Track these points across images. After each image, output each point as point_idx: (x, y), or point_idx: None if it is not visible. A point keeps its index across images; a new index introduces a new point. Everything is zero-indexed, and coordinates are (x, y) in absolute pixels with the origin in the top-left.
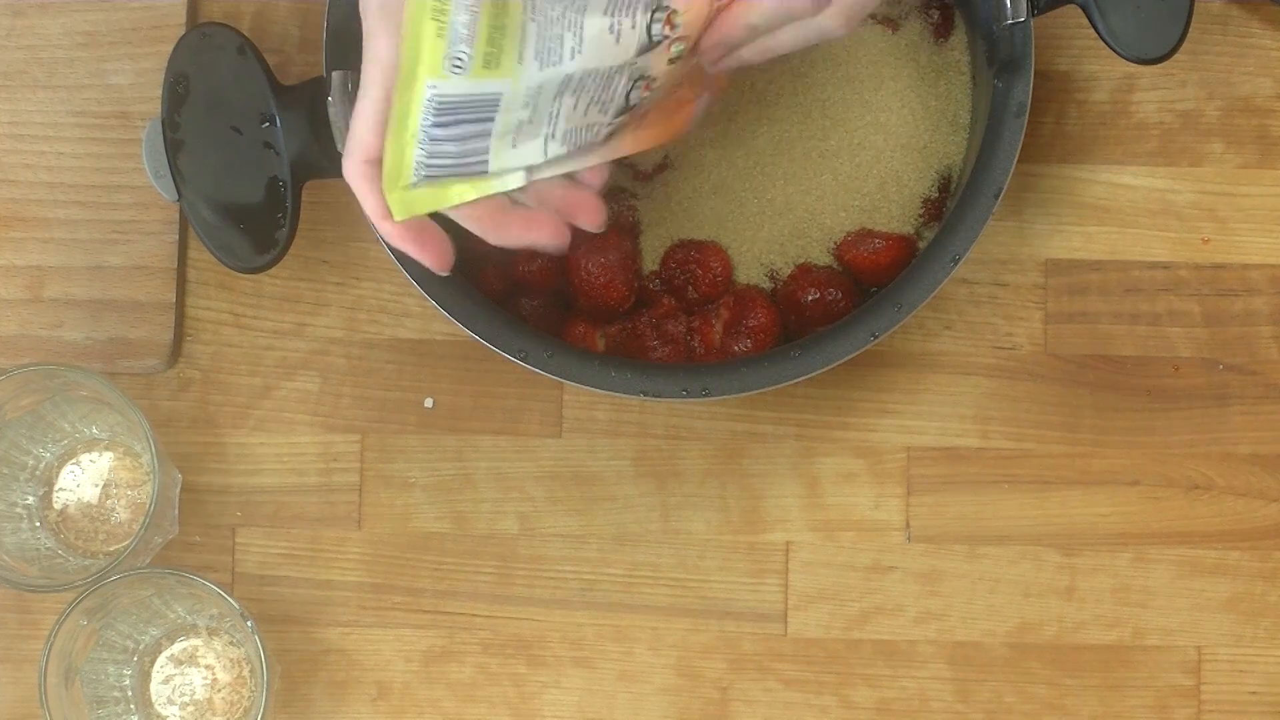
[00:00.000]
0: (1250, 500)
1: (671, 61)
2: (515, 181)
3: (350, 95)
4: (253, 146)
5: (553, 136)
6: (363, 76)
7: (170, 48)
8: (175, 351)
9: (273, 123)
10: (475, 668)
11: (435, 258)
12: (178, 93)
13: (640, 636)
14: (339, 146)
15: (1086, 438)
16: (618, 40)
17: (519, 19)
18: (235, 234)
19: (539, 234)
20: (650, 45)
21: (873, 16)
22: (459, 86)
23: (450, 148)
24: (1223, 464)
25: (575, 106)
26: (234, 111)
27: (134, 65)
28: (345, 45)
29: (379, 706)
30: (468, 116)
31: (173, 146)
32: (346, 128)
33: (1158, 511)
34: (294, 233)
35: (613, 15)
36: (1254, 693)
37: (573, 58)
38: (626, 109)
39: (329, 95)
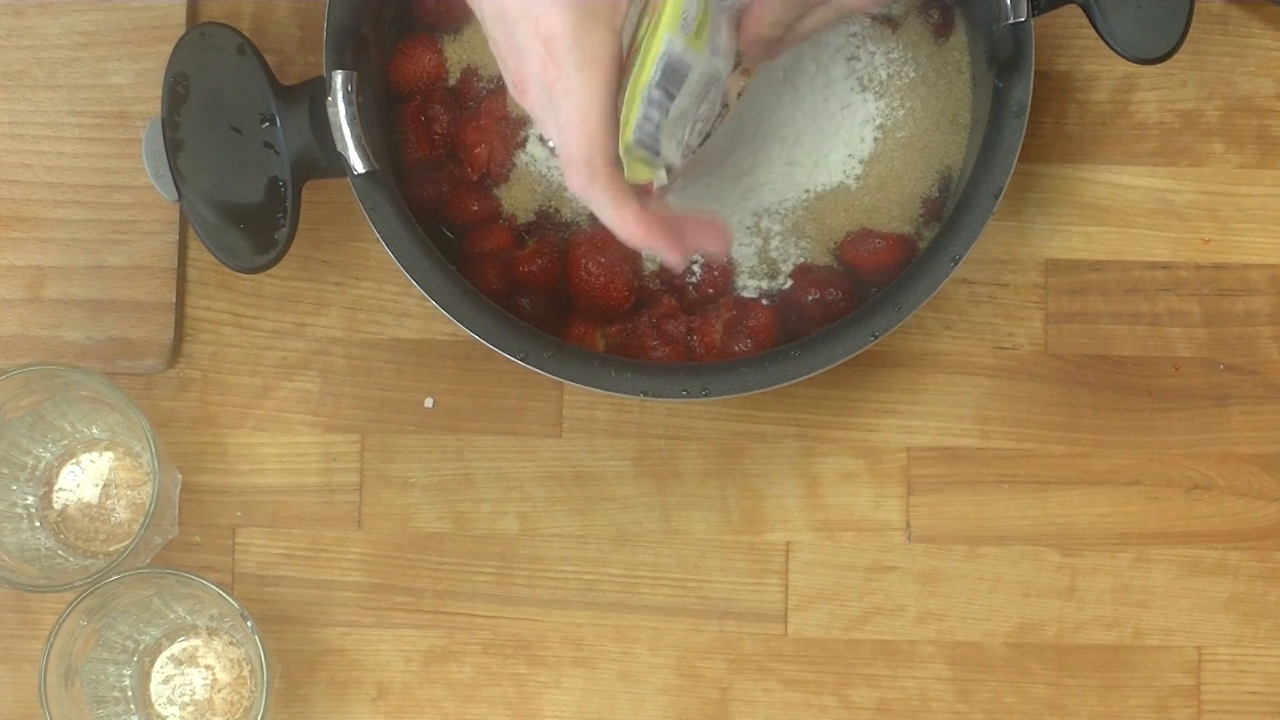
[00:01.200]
0: (1250, 500)
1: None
2: (662, 178)
3: (351, 95)
4: (253, 146)
5: (682, 142)
6: (574, 79)
7: (170, 48)
8: (175, 351)
9: (273, 123)
10: (475, 668)
11: (681, 249)
12: (178, 93)
13: (640, 636)
14: (339, 146)
15: (1086, 438)
16: (726, 53)
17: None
18: (235, 234)
19: (710, 238)
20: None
21: (872, 16)
22: (679, 48)
23: (655, 114)
24: (1223, 464)
25: (697, 116)
26: (234, 111)
27: (134, 65)
28: (345, 45)
29: (379, 706)
30: (670, 86)
31: (173, 146)
32: (347, 127)
33: (1158, 511)
34: (294, 233)
35: (728, 26)
36: (1254, 693)
37: (715, 55)
38: (709, 132)
39: (329, 95)
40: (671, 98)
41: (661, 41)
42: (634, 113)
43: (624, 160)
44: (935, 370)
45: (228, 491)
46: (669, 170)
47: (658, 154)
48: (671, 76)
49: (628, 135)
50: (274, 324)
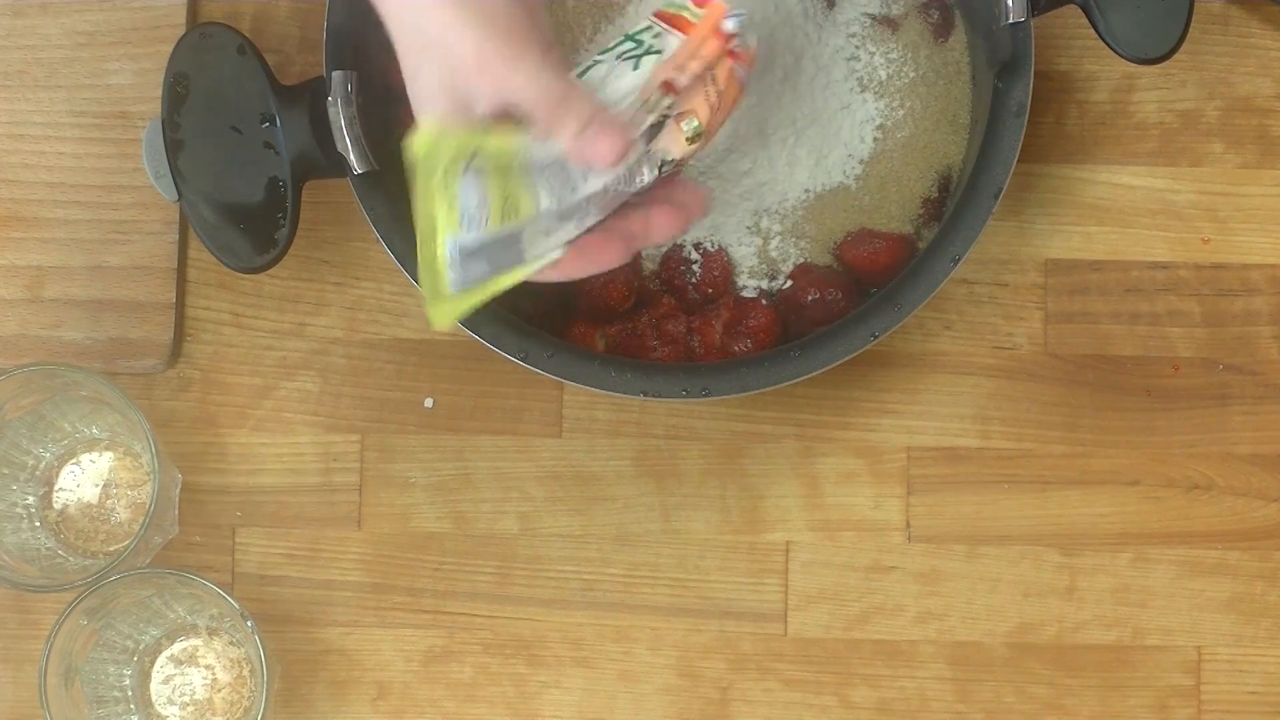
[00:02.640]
0: (1250, 500)
1: (690, 141)
2: (556, 254)
3: (351, 95)
4: (253, 146)
5: (587, 215)
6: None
7: (170, 48)
8: (175, 351)
9: (273, 123)
10: (475, 668)
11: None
12: (178, 93)
13: (640, 636)
14: (339, 146)
15: (1086, 438)
16: (630, 177)
17: (525, 184)
18: (235, 234)
19: (610, 256)
20: (660, 171)
21: (872, 16)
22: (478, 237)
23: (484, 266)
24: (1223, 464)
25: (604, 196)
26: (234, 111)
27: (134, 65)
28: (345, 45)
29: (379, 706)
30: (493, 248)
31: (173, 146)
32: (347, 128)
33: (1158, 511)
34: (294, 233)
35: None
36: (1254, 693)
37: (586, 181)
38: (657, 179)
39: (329, 95)
40: (513, 244)
41: (443, 241)
42: (443, 281)
43: (447, 307)
44: (935, 370)
45: (228, 491)
46: (568, 244)
47: (521, 262)
48: (486, 248)
49: (444, 292)
50: (274, 324)
